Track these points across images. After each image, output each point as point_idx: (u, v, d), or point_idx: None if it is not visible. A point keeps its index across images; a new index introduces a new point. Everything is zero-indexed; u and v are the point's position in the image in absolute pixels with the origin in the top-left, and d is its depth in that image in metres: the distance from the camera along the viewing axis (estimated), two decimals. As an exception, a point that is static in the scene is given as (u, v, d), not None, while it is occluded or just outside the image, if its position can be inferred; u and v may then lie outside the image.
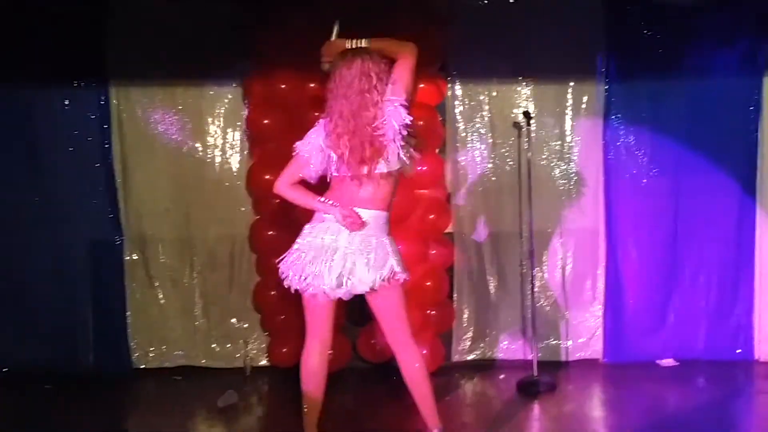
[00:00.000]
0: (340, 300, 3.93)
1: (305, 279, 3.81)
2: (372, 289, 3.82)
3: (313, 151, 3.89)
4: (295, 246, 3.89)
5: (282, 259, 3.91)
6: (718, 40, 5.65)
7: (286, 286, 3.91)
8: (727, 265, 5.86)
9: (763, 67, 5.71)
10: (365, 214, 3.81)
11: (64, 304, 5.78)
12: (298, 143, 3.95)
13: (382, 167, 3.81)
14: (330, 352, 4.05)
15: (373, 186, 3.84)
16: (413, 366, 3.96)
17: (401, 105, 3.79)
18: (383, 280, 3.79)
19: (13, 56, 5.54)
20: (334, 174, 3.87)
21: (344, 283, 3.78)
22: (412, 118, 3.80)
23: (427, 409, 4.03)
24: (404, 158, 3.80)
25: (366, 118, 3.78)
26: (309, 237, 3.85)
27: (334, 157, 3.83)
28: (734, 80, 5.71)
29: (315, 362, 3.98)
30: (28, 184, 5.71)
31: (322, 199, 3.86)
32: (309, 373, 3.99)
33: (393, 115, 3.77)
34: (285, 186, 3.96)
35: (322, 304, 3.91)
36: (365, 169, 3.81)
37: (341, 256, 3.78)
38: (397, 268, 3.82)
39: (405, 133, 3.79)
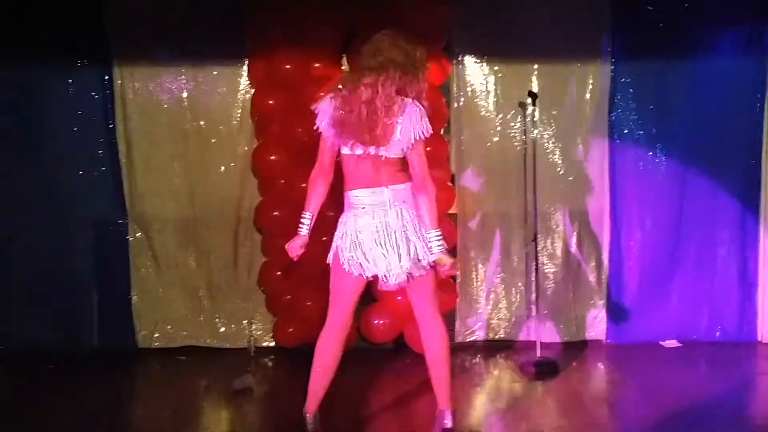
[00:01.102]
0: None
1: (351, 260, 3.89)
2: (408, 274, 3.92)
3: (326, 122, 3.91)
4: (342, 233, 3.95)
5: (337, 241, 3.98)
6: (725, 21, 5.62)
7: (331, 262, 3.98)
8: (731, 247, 5.86)
9: (770, 50, 5.70)
10: (382, 193, 3.87)
11: (68, 284, 5.80)
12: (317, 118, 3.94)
13: (388, 152, 3.85)
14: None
15: (381, 166, 3.87)
16: (436, 343, 4.08)
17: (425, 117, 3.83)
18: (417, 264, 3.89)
19: (15, 37, 5.52)
20: (348, 152, 3.90)
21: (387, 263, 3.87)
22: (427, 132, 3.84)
23: (441, 388, 4.12)
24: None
25: (389, 96, 3.79)
26: (345, 224, 3.93)
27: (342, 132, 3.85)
28: (740, 61, 5.68)
29: (333, 345, 4.05)
30: (31, 165, 5.70)
31: (305, 217, 3.98)
32: (325, 353, 4.05)
33: (414, 116, 3.80)
34: (315, 174, 4.02)
35: (353, 287, 4.00)
36: (373, 150, 3.83)
37: (378, 239, 3.87)
38: (424, 253, 3.90)
39: (419, 138, 3.83)
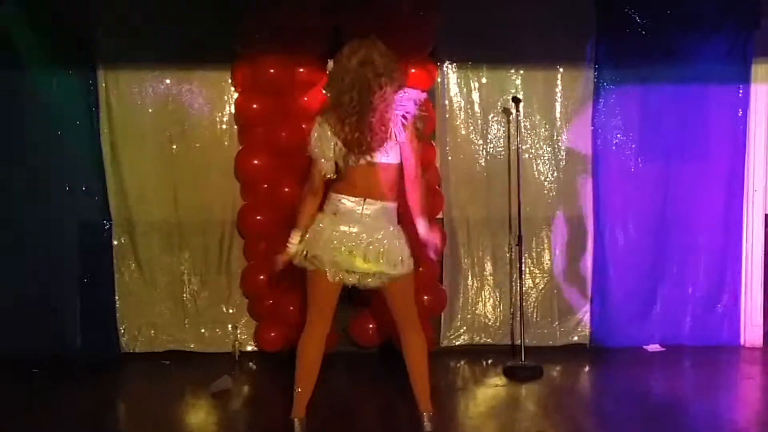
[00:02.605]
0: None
1: (316, 260, 3.92)
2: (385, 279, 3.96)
3: (322, 143, 3.92)
4: (315, 228, 3.96)
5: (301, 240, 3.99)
6: (707, 27, 5.65)
7: (297, 264, 4.00)
8: (714, 251, 5.89)
9: (752, 55, 5.73)
10: (375, 205, 3.91)
11: (52, 288, 5.76)
12: (312, 148, 3.96)
13: (383, 158, 3.88)
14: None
15: (378, 176, 3.91)
16: (413, 345, 4.15)
17: (413, 98, 3.88)
18: (395, 268, 3.93)
19: (0, 39, 5.49)
20: (342, 164, 3.92)
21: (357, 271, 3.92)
22: (418, 113, 3.88)
23: (421, 391, 4.16)
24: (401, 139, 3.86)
25: (371, 104, 3.82)
26: (324, 224, 3.94)
27: (340, 145, 3.87)
28: (723, 67, 5.71)
29: (314, 347, 4.07)
30: (16, 169, 5.67)
31: (293, 234, 3.99)
32: (306, 357, 4.07)
33: (403, 104, 3.85)
34: (305, 192, 4.05)
35: (331, 290, 4.01)
36: (368, 157, 3.87)
37: (356, 243, 3.88)
38: (407, 259, 3.97)
39: (409, 121, 3.86)
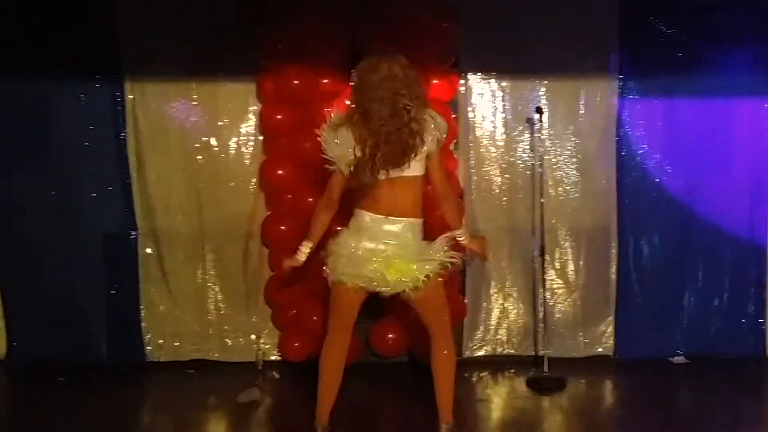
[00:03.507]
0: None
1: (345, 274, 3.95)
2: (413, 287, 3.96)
3: (342, 148, 3.91)
4: (341, 245, 3.99)
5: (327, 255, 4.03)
6: (731, 38, 5.61)
7: (328, 279, 4.02)
8: (738, 262, 5.84)
9: (777, 66, 5.71)
10: (401, 223, 3.92)
11: (78, 298, 5.82)
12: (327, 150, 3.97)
13: (407, 171, 3.90)
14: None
15: (402, 191, 3.92)
16: (442, 353, 4.16)
17: (439, 118, 3.95)
18: (424, 277, 3.93)
19: (29, 51, 5.58)
20: (364, 178, 3.90)
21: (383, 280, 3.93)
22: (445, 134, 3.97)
23: (444, 401, 4.17)
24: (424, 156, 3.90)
25: (401, 121, 3.83)
26: (347, 239, 3.97)
27: (361, 155, 3.86)
28: (747, 78, 5.68)
29: (336, 356, 4.11)
30: (43, 179, 5.74)
31: (306, 246, 4.06)
32: (329, 366, 4.11)
33: (429, 128, 3.88)
34: (321, 204, 4.09)
35: (354, 300, 4.04)
36: (391, 172, 3.87)
37: (383, 259, 3.90)
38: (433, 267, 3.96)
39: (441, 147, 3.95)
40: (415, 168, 3.91)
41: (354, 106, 3.96)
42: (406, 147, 3.84)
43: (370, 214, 3.93)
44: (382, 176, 3.88)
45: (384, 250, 3.89)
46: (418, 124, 3.85)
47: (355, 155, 3.86)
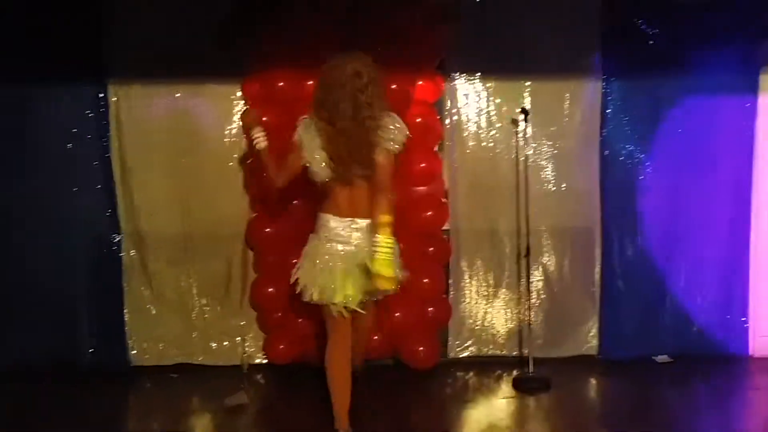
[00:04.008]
0: None
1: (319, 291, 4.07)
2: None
3: (311, 146, 4.05)
4: (304, 256, 4.13)
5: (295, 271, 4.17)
6: (715, 39, 5.64)
7: (303, 299, 4.17)
8: (722, 261, 5.88)
9: (760, 66, 5.73)
10: (364, 222, 4.04)
11: (61, 301, 5.77)
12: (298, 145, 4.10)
13: (368, 174, 4.03)
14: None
15: (361, 193, 4.06)
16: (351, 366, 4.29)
17: (399, 123, 4.04)
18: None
19: (11, 53, 5.52)
20: (327, 179, 4.05)
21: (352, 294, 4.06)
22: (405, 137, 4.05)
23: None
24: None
25: (361, 120, 3.93)
26: (315, 247, 4.10)
27: (326, 157, 4.00)
28: (730, 78, 5.71)
29: (342, 361, 4.21)
30: (26, 181, 5.69)
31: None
32: (337, 371, 4.21)
33: (390, 130, 3.99)
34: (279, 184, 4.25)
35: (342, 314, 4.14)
36: (357, 172, 4.00)
37: (346, 268, 4.04)
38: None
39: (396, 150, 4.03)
40: (366, 173, 4.03)
41: (320, 105, 4.05)
42: (369, 145, 3.93)
43: (333, 217, 4.06)
44: (342, 179, 4.02)
45: (354, 252, 4.01)
46: (374, 121, 3.93)
47: (327, 154, 3.98)
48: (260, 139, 4.23)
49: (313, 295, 4.10)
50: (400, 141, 4.02)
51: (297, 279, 4.18)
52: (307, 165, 4.09)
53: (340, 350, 4.19)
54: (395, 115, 4.05)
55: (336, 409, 4.20)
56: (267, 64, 5.44)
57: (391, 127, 3.99)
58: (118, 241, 5.83)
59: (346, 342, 4.21)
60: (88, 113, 5.69)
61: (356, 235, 4.04)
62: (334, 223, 4.04)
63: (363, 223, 4.05)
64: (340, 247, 4.02)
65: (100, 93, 5.69)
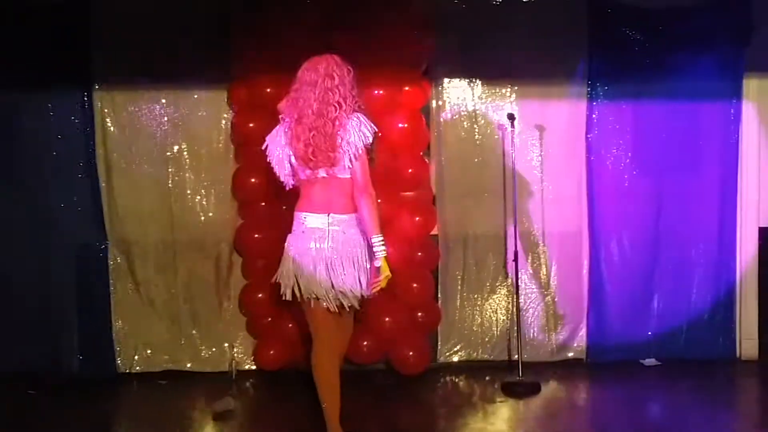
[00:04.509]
0: None
1: (300, 288, 4.06)
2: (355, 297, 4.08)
3: (278, 155, 4.12)
4: (285, 256, 4.12)
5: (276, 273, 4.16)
6: (699, 44, 5.70)
7: (283, 297, 4.12)
8: (708, 265, 5.92)
9: (742, 71, 5.78)
10: (342, 217, 4.05)
11: (48, 309, 5.75)
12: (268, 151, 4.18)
13: (340, 173, 4.03)
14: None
15: (336, 189, 4.06)
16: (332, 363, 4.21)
17: (366, 124, 4.03)
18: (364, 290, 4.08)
19: (-4, 60, 5.51)
20: (300, 177, 4.11)
21: (333, 290, 4.03)
22: (372, 139, 4.04)
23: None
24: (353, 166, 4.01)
25: (328, 117, 3.98)
26: (294, 246, 4.09)
27: (293, 158, 4.07)
28: (715, 83, 5.77)
29: (324, 364, 4.15)
30: (11, 188, 5.67)
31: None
32: (321, 374, 4.16)
33: (355, 130, 3.99)
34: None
35: (318, 311, 4.12)
36: (321, 172, 4.02)
37: (327, 264, 4.02)
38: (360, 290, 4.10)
39: (363, 150, 4.02)
40: (347, 171, 4.02)
41: (291, 102, 4.11)
42: (333, 143, 3.96)
43: (309, 214, 4.07)
44: (320, 173, 4.03)
45: (329, 248, 4.01)
46: (340, 121, 3.97)
47: (293, 152, 4.04)
48: None
49: (295, 291, 4.08)
50: (366, 141, 4.02)
51: (278, 281, 4.16)
52: (275, 170, 4.16)
53: (327, 353, 4.13)
54: (364, 116, 4.07)
55: (327, 415, 4.14)
56: (253, 71, 5.43)
57: (358, 128, 4.02)
58: (105, 248, 5.80)
59: (332, 343, 4.16)
60: (74, 119, 5.67)
61: (335, 228, 4.04)
62: (310, 219, 4.06)
63: (341, 217, 4.05)
64: (313, 245, 4.03)
65: (86, 99, 5.67)
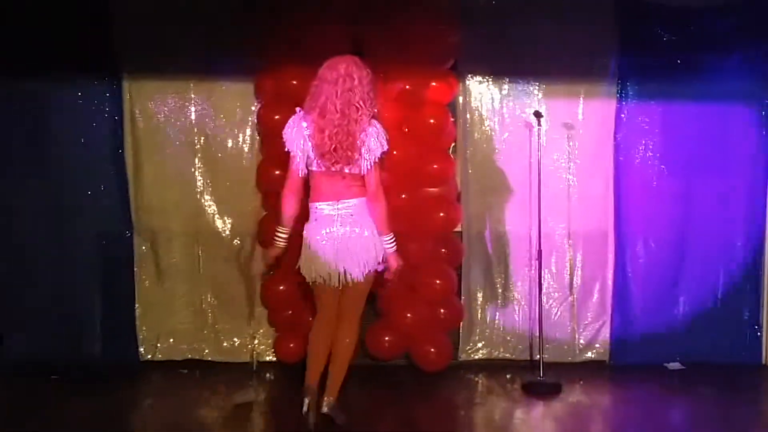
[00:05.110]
0: None
1: (313, 270, 4.34)
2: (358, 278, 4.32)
3: (296, 143, 4.28)
4: (303, 243, 4.36)
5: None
6: (729, 43, 5.63)
7: (307, 280, 4.40)
8: (735, 268, 5.84)
9: (772, 72, 5.71)
10: (351, 202, 4.28)
11: (73, 296, 5.81)
12: (286, 139, 4.32)
13: (353, 169, 4.25)
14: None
15: (345, 182, 4.28)
16: (344, 341, 4.53)
17: (382, 133, 4.24)
18: (368, 270, 4.34)
19: (26, 50, 5.54)
20: (313, 169, 4.30)
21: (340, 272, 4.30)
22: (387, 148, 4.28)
23: (334, 379, 4.53)
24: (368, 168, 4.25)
25: (351, 117, 4.17)
26: (309, 233, 4.35)
27: (311, 151, 4.23)
28: (744, 83, 5.70)
29: (321, 333, 4.52)
30: (40, 177, 5.73)
31: (279, 232, 4.40)
32: (315, 338, 4.53)
33: (374, 138, 4.21)
34: (285, 192, 4.40)
35: (326, 290, 4.40)
36: (338, 167, 4.22)
37: (336, 249, 4.28)
38: (377, 259, 4.35)
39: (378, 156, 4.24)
40: (357, 168, 4.24)
41: (312, 99, 4.28)
42: (353, 142, 4.16)
43: (321, 203, 4.30)
44: (334, 168, 4.21)
45: (336, 231, 4.27)
46: (360, 124, 4.17)
47: (313, 145, 4.20)
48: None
49: (311, 274, 4.35)
50: (383, 149, 4.25)
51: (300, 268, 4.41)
52: (293, 155, 4.30)
53: (324, 323, 4.48)
54: (380, 124, 4.27)
55: (308, 368, 4.47)
56: (280, 63, 5.43)
57: (376, 135, 4.22)
58: (130, 236, 5.85)
59: (331, 319, 4.48)
60: (103, 109, 5.73)
61: (345, 212, 4.28)
62: (322, 207, 4.29)
63: (350, 201, 4.29)
64: (324, 230, 4.28)
65: (114, 90, 5.72)
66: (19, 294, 5.78)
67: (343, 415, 4.51)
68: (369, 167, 4.23)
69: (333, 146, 4.16)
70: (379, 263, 4.34)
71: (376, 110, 4.28)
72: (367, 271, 4.33)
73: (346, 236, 4.27)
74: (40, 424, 4.74)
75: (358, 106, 4.18)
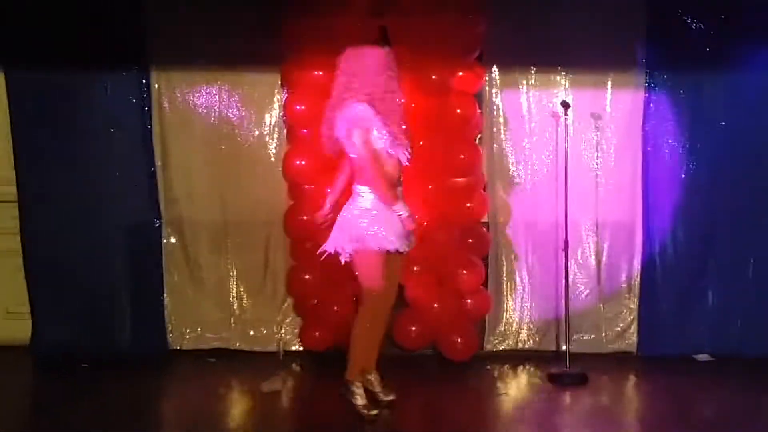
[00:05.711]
0: None
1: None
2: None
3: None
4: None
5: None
6: (759, 34, 5.54)
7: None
8: (764, 259, 5.76)
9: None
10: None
11: (102, 286, 5.86)
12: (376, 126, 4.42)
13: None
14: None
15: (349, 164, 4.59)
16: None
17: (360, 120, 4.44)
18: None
19: (55, 42, 5.61)
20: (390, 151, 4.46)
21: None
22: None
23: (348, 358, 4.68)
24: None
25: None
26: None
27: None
28: (772, 73, 5.62)
29: (387, 310, 4.76)
30: (69, 167, 5.78)
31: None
32: (387, 312, 4.77)
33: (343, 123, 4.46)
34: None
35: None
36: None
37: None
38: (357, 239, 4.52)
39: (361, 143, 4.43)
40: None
41: (361, 85, 4.47)
42: (330, 131, 4.56)
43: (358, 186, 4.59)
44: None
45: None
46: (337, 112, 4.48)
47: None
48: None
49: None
50: (352, 136, 4.44)
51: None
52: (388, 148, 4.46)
53: (388, 297, 4.64)
54: (368, 109, 4.42)
55: (367, 354, 4.68)
56: (306, 53, 5.44)
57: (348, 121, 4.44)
58: (159, 226, 5.90)
59: (393, 291, 4.71)
60: (131, 99, 5.77)
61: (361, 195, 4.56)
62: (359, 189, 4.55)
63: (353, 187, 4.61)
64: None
65: (143, 80, 5.76)
66: (50, 283, 5.85)
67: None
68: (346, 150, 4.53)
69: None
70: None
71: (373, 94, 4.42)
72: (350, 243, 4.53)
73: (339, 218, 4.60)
74: (70, 412, 4.81)
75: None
